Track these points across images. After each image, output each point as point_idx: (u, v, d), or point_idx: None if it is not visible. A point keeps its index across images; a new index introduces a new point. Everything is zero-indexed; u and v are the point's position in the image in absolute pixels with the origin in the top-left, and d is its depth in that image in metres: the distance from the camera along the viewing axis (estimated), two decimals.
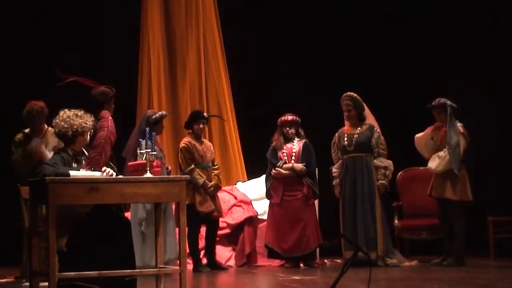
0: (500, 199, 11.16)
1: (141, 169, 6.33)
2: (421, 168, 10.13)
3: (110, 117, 6.76)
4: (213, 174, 9.68)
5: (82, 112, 6.53)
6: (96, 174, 6.30)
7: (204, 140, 9.92)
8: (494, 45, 11.31)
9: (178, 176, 8.39)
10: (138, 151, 6.47)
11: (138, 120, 11.05)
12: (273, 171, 9.71)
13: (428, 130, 9.59)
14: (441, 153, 9.39)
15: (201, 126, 9.68)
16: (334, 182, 9.70)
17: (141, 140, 6.54)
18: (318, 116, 10.26)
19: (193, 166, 9.53)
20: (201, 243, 9.92)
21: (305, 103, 10.87)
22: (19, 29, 11.01)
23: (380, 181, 9.51)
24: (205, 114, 9.92)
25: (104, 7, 11.26)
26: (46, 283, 5.95)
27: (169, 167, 9.47)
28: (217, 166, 9.81)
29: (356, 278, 7.74)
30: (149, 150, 6.39)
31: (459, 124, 9.42)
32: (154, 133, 6.62)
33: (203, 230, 9.78)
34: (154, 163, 6.41)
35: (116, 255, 6.20)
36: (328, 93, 11.48)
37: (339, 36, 11.82)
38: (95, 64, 10.97)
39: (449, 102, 9.41)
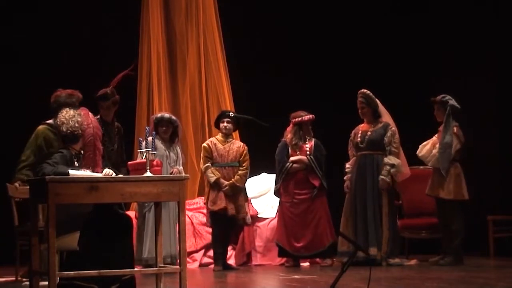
0: (500, 199, 11.15)
1: (141, 168, 6.34)
2: (421, 167, 10.12)
3: (89, 113, 6.57)
4: (237, 174, 9.62)
5: (78, 111, 6.52)
6: (96, 174, 6.30)
7: (233, 140, 9.89)
8: (495, 44, 11.30)
9: (178, 175, 8.39)
10: (138, 150, 6.49)
11: (137, 120, 11.12)
12: (290, 159, 9.68)
13: (432, 141, 9.53)
14: (434, 151, 9.38)
15: (225, 125, 9.66)
16: (345, 177, 9.70)
17: (141, 139, 6.56)
18: (318, 115, 10.23)
19: (208, 164, 9.55)
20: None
21: (305, 103, 10.85)
22: (19, 29, 11.01)
23: (380, 176, 9.43)
24: (230, 113, 9.89)
25: (104, 7, 11.25)
26: (46, 282, 5.95)
27: (176, 171, 9.31)
28: (244, 167, 9.64)
29: (357, 277, 7.74)
30: (149, 149, 6.39)
31: (454, 124, 9.37)
32: (154, 132, 6.63)
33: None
34: (154, 162, 6.41)
35: (116, 255, 6.20)
36: (329, 93, 11.51)
37: (339, 36, 11.80)
38: (95, 64, 10.96)
39: (451, 102, 9.34)
